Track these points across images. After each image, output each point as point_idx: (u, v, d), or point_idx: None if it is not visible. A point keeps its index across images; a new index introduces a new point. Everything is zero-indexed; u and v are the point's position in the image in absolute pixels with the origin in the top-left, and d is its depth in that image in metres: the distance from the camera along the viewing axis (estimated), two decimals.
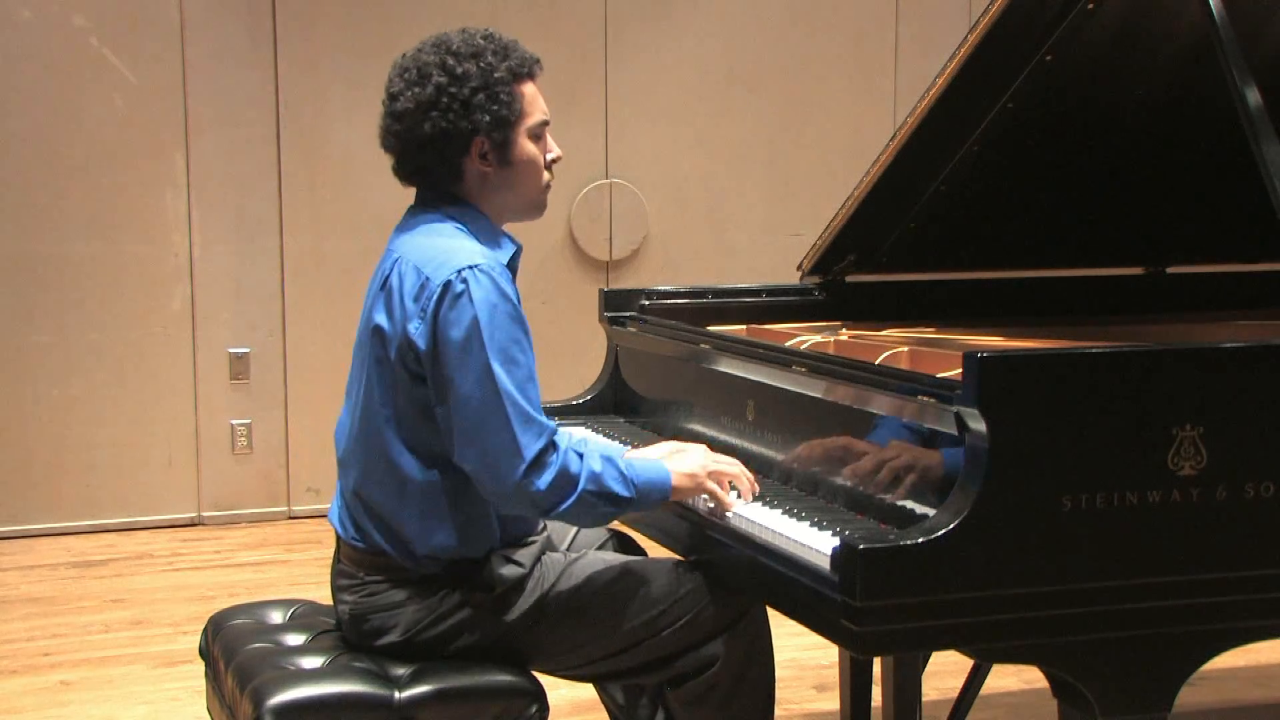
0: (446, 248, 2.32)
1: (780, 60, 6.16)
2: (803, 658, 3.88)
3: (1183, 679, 2.09)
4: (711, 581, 2.41)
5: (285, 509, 5.75)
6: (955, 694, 3.19)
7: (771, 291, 3.21)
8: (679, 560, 2.48)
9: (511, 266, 2.39)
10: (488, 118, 2.34)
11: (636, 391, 3.09)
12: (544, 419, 2.27)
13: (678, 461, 2.39)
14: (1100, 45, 2.75)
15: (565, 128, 5.89)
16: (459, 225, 2.38)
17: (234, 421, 5.68)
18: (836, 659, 3.41)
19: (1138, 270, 3.39)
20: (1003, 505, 1.95)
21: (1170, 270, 3.39)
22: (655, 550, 2.59)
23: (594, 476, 2.28)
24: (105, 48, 5.41)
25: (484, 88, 2.34)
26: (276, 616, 2.61)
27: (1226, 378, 2.08)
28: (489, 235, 2.39)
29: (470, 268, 2.26)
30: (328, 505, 2.50)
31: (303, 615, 2.60)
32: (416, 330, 2.27)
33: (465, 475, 2.32)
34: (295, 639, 2.48)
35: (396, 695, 2.24)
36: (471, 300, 2.24)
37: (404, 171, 2.43)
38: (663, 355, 2.96)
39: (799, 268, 3.21)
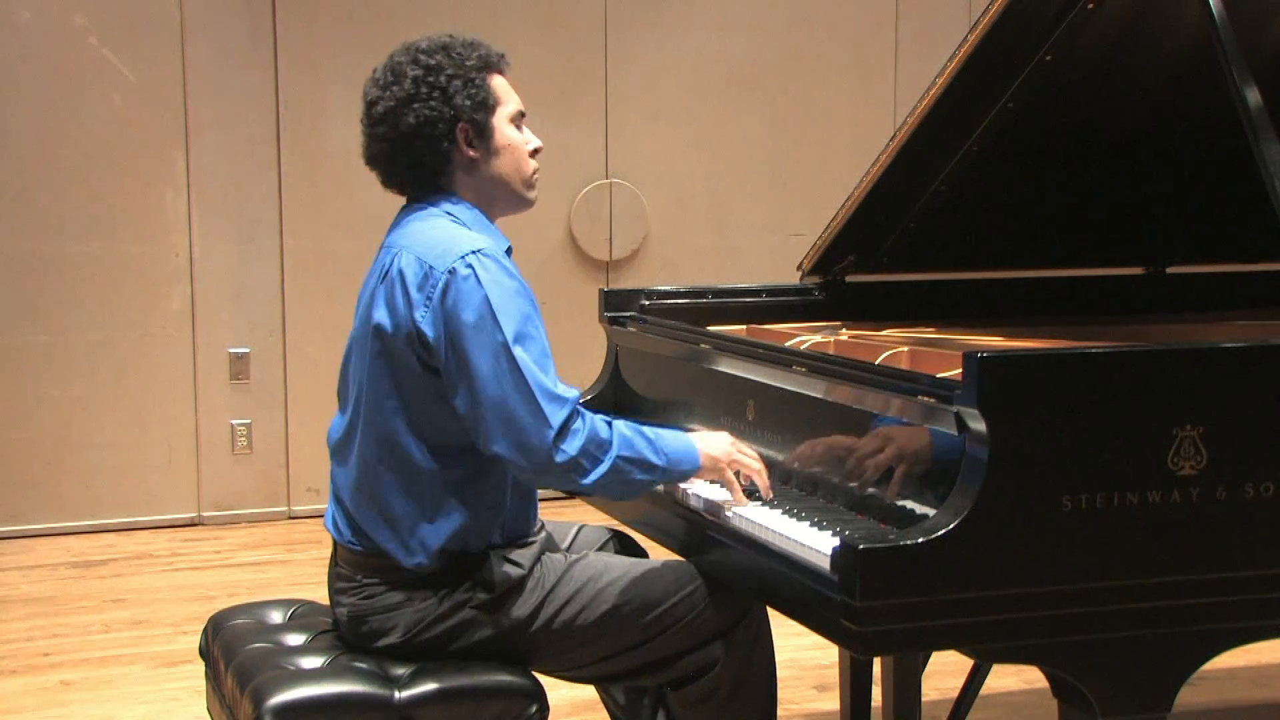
0: (446, 237, 2.33)
1: (780, 60, 6.16)
2: (803, 658, 3.88)
3: (1183, 679, 2.09)
4: (712, 582, 2.41)
5: (285, 509, 5.75)
6: (955, 694, 3.19)
7: (771, 291, 3.20)
8: (679, 561, 2.48)
9: None
10: (468, 102, 2.39)
11: (636, 391, 3.09)
12: (565, 390, 2.29)
13: (705, 442, 2.41)
14: (1100, 45, 2.75)
15: (565, 128, 5.92)
16: (454, 218, 2.39)
17: (234, 421, 5.68)
18: (836, 659, 3.41)
19: (1138, 270, 3.39)
20: (1003, 505, 1.95)
21: (1170, 270, 3.39)
22: (655, 550, 2.60)
23: (626, 442, 2.30)
24: (105, 48, 5.41)
25: (459, 75, 2.41)
26: (276, 616, 2.61)
27: (1226, 378, 2.08)
28: (483, 228, 2.41)
29: (474, 252, 2.29)
30: (327, 505, 2.49)
31: (303, 615, 2.60)
32: (424, 319, 2.27)
33: (473, 466, 2.32)
34: (295, 639, 2.48)
35: (396, 695, 2.24)
36: (480, 282, 2.26)
37: (394, 174, 2.44)
38: (663, 355, 2.96)
39: (799, 268, 3.21)
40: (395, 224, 2.45)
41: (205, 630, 2.60)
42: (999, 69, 2.74)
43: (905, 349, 2.67)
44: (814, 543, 2.10)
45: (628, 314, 3.10)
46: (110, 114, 5.44)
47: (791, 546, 2.15)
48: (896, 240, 3.12)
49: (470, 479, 2.34)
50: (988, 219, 3.14)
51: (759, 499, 2.40)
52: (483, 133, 2.42)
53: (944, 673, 3.67)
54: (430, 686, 2.26)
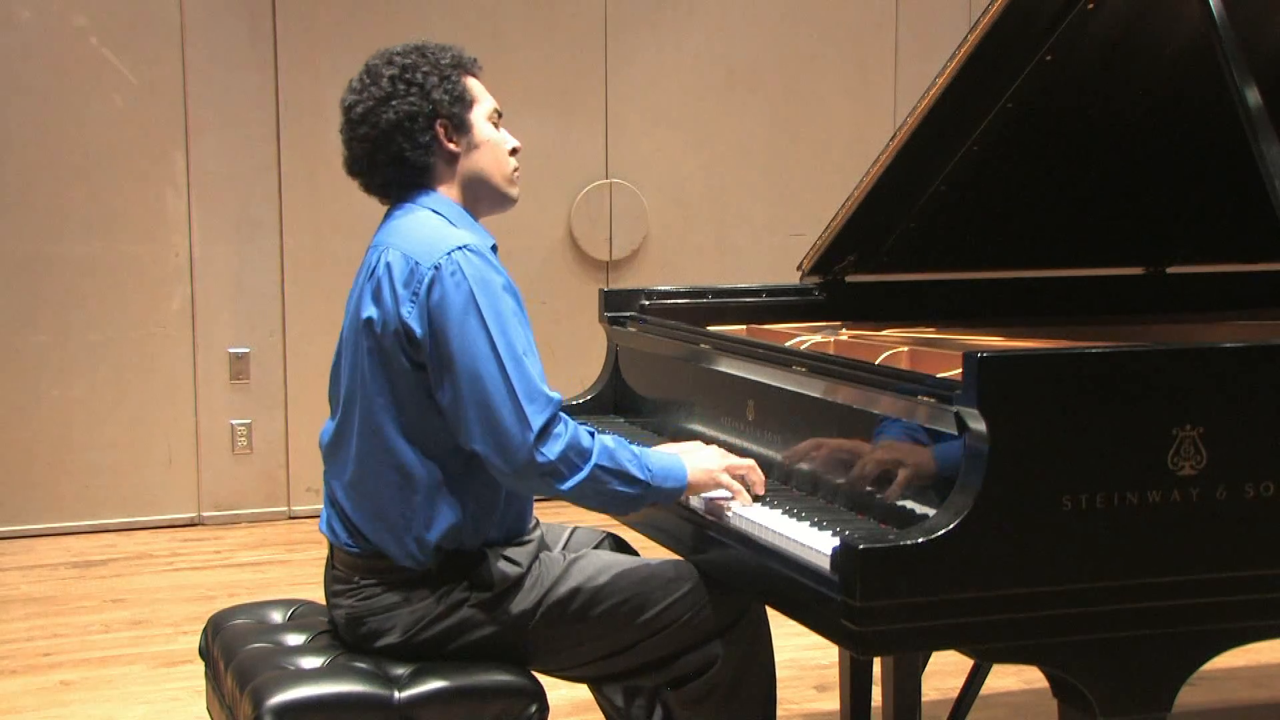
0: (432, 233, 2.34)
1: (780, 61, 6.17)
2: (803, 658, 3.88)
3: (1183, 679, 2.08)
4: (711, 581, 2.41)
5: (285, 509, 5.75)
6: (955, 694, 3.19)
7: (771, 291, 3.21)
8: (678, 560, 2.48)
9: None
10: (445, 97, 2.40)
11: (636, 391, 3.09)
12: (548, 390, 2.28)
13: (693, 457, 2.41)
14: (1100, 45, 2.75)
15: (565, 128, 5.92)
16: (439, 215, 2.40)
17: (234, 421, 5.68)
18: (836, 659, 3.41)
19: (1138, 270, 3.39)
20: (1003, 505, 1.95)
21: (1170, 270, 3.39)
22: (655, 550, 2.59)
23: (607, 452, 2.30)
24: (105, 48, 5.41)
25: (435, 71, 2.41)
26: (276, 616, 2.61)
27: (1226, 378, 2.08)
28: (468, 224, 2.42)
29: (460, 248, 2.29)
30: (322, 509, 2.49)
31: (303, 615, 2.60)
32: (410, 314, 2.28)
33: (467, 462, 2.32)
34: (295, 639, 2.47)
35: (396, 695, 2.24)
36: (466, 277, 2.26)
37: (375, 174, 2.44)
38: (663, 355, 2.96)
39: (799, 268, 3.21)
40: (381, 224, 2.45)
41: (205, 630, 2.60)
42: (999, 69, 2.74)
43: (905, 349, 2.67)
44: (814, 543, 2.10)
45: (628, 314, 3.10)
46: (110, 114, 5.44)
47: (791, 546, 2.15)
48: (896, 240, 3.12)
49: (464, 475, 2.34)
50: (988, 219, 3.14)
51: (764, 501, 2.39)
52: (461, 127, 2.43)
53: (944, 673, 3.67)
54: (430, 686, 2.26)
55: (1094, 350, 2.04)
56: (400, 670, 2.31)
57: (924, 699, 3.05)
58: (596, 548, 2.67)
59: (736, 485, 2.39)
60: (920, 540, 1.91)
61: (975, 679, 3.15)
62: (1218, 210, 3.20)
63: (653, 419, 3.00)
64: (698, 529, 2.43)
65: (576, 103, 5.93)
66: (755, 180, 6.19)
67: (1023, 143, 2.92)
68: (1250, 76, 2.44)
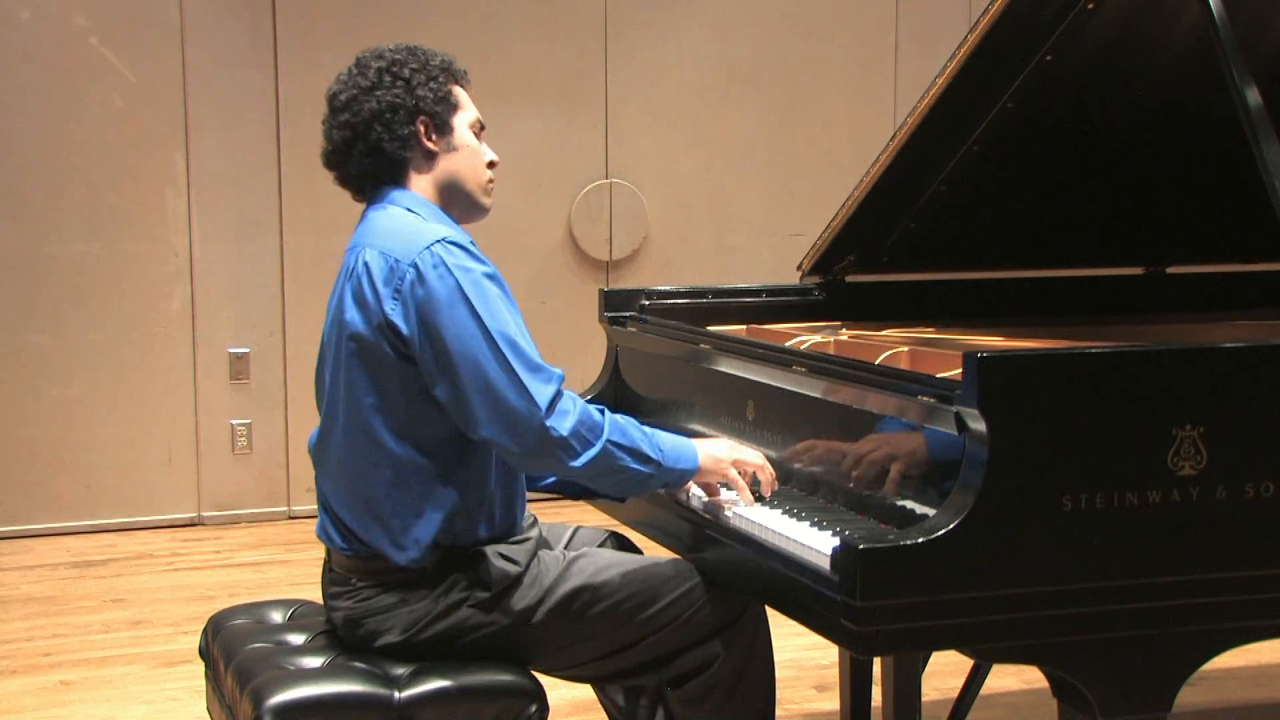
0: (408, 230, 2.34)
1: (780, 60, 6.17)
2: (803, 658, 3.88)
3: (1183, 679, 2.09)
4: (709, 580, 2.41)
5: (285, 509, 5.76)
6: (955, 694, 3.19)
7: (771, 291, 3.21)
8: (677, 559, 2.48)
9: None
10: (430, 95, 2.40)
11: (636, 391, 3.09)
12: (548, 365, 2.29)
13: (705, 445, 2.41)
14: (1100, 45, 2.75)
15: (565, 128, 5.92)
16: (414, 213, 2.39)
17: (234, 421, 5.68)
18: (836, 659, 3.41)
19: (1138, 270, 3.39)
20: (1003, 505, 1.95)
21: (1170, 270, 3.39)
22: (655, 550, 2.60)
23: (619, 428, 2.30)
24: (105, 48, 5.41)
25: (422, 70, 2.42)
26: (276, 616, 2.61)
27: (1226, 378, 2.08)
28: (444, 222, 2.41)
29: (438, 241, 2.29)
30: (317, 515, 2.48)
31: (303, 615, 2.60)
32: (395, 311, 2.27)
33: (457, 453, 2.32)
34: (295, 639, 2.48)
35: (396, 695, 2.24)
36: (449, 269, 2.26)
37: (350, 165, 2.43)
38: (663, 355, 2.96)
39: (799, 268, 3.21)
40: (358, 224, 2.46)
41: (205, 630, 2.60)
42: (999, 69, 2.74)
43: (905, 349, 2.67)
44: (814, 543, 2.10)
45: (628, 314, 3.10)
46: (110, 114, 5.44)
47: (791, 546, 2.15)
48: (896, 240, 3.12)
49: (453, 468, 2.33)
50: (988, 219, 3.14)
51: (764, 502, 2.39)
52: (443, 128, 2.43)
53: (944, 673, 3.67)
54: (430, 686, 2.26)
55: (1094, 350, 2.04)
56: (400, 670, 2.31)
57: (924, 699, 3.05)
58: (600, 545, 2.67)
59: (741, 482, 2.39)
60: (920, 540, 1.91)
61: (975, 679, 3.15)
62: (1218, 210, 3.20)
63: (653, 419, 3.00)
64: (698, 529, 2.43)
65: (576, 103, 5.93)
66: (755, 180, 6.19)
67: (1023, 143, 2.92)
68: (1250, 76, 2.44)
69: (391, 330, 2.28)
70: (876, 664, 3.13)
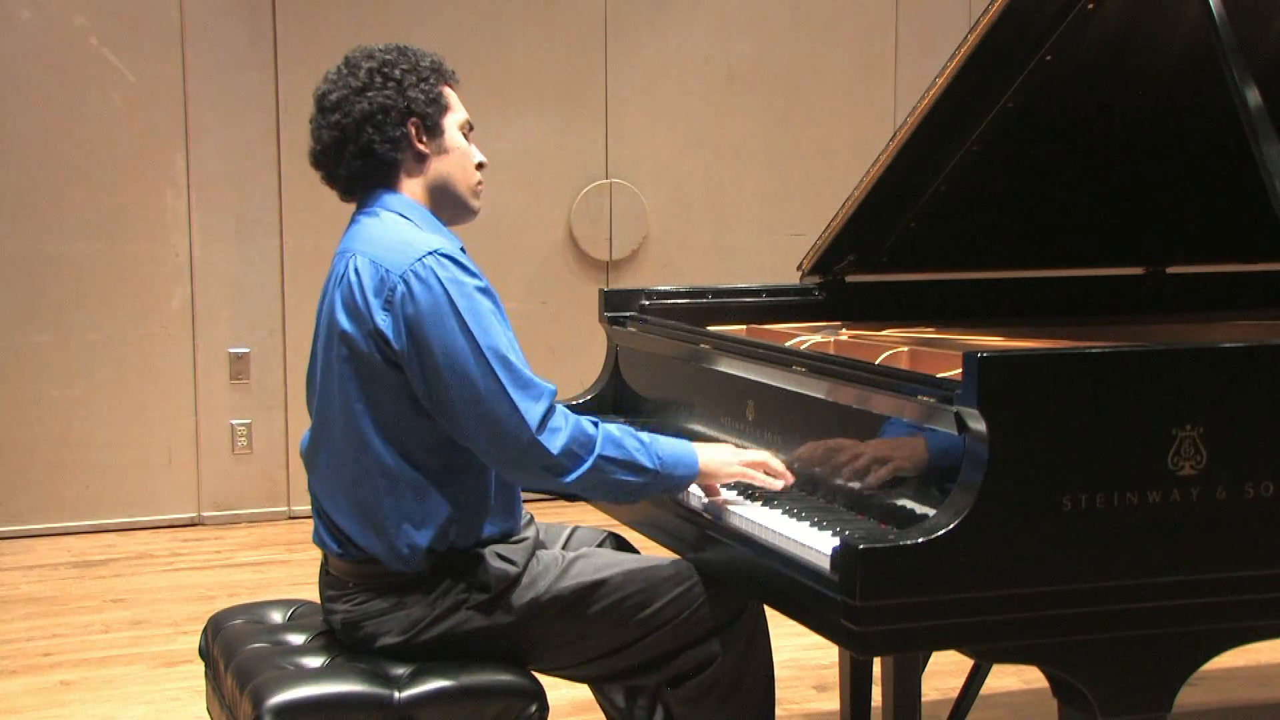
0: (399, 239, 2.32)
1: (780, 61, 6.17)
2: (803, 658, 3.89)
3: (1183, 679, 2.09)
4: (708, 579, 2.41)
5: (285, 509, 5.76)
6: (955, 694, 3.19)
7: (771, 291, 3.21)
8: (675, 558, 2.48)
9: None
10: (421, 96, 2.39)
11: (636, 391, 3.09)
12: (540, 380, 2.28)
13: (706, 449, 2.40)
14: (1100, 45, 2.75)
15: (565, 128, 5.92)
16: (405, 218, 2.38)
17: (234, 421, 5.68)
18: (836, 659, 3.41)
19: (1138, 270, 3.39)
20: (1003, 505, 1.95)
21: (1170, 270, 3.39)
22: (655, 550, 2.60)
23: (612, 441, 2.29)
24: (105, 48, 5.41)
25: (413, 71, 2.40)
26: (276, 617, 2.61)
27: (1226, 378, 2.08)
28: (434, 227, 2.40)
29: (430, 253, 2.27)
30: (312, 520, 2.47)
31: (302, 615, 2.60)
32: (385, 322, 2.26)
33: (454, 459, 2.32)
34: (295, 639, 2.47)
35: (396, 695, 2.24)
36: (440, 282, 2.25)
37: (339, 166, 2.41)
38: (663, 355, 2.96)
39: (799, 268, 3.21)
40: (346, 230, 2.43)
41: (205, 630, 2.60)
42: (999, 69, 2.74)
43: (905, 349, 2.67)
44: (814, 543, 2.10)
45: (628, 314, 3.10)
46: (110, 114, 5.44)
47: (791, 546, 2.15)
48: (896, 240, 3.12)
49: (450, 475, 2.33)
50: (988, 219, 3.14)
51: (764, 501, 2.39)
52: (433, 130, 2.41)
53: (944, 673, 3.67)
54: (430, 686, 2.26)
55: (1094, 350, 2.04)
56: (400, 670, 2.30)
57: (924, 699, 3.05)
58: (599, 545, 2.67)
59: (753, 474, 2.38)
60: (920, 540, 1.91)
61: (975, 679, 3.15)
62: (1218, 210, 3.20)
63: (653, 419, 3.00)
64: (698, 529, 2.43)
65: (576, 103, 5.93)
66: (755, 180, 6.19)
67: (1023, 143, 2.92)
68: (1250, 76, 2.45)
69: (382, 340, 2.27)
70: (876, 664, 3.13)
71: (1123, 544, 2.00)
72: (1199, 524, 2.03)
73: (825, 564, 2.01)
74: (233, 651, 2.43)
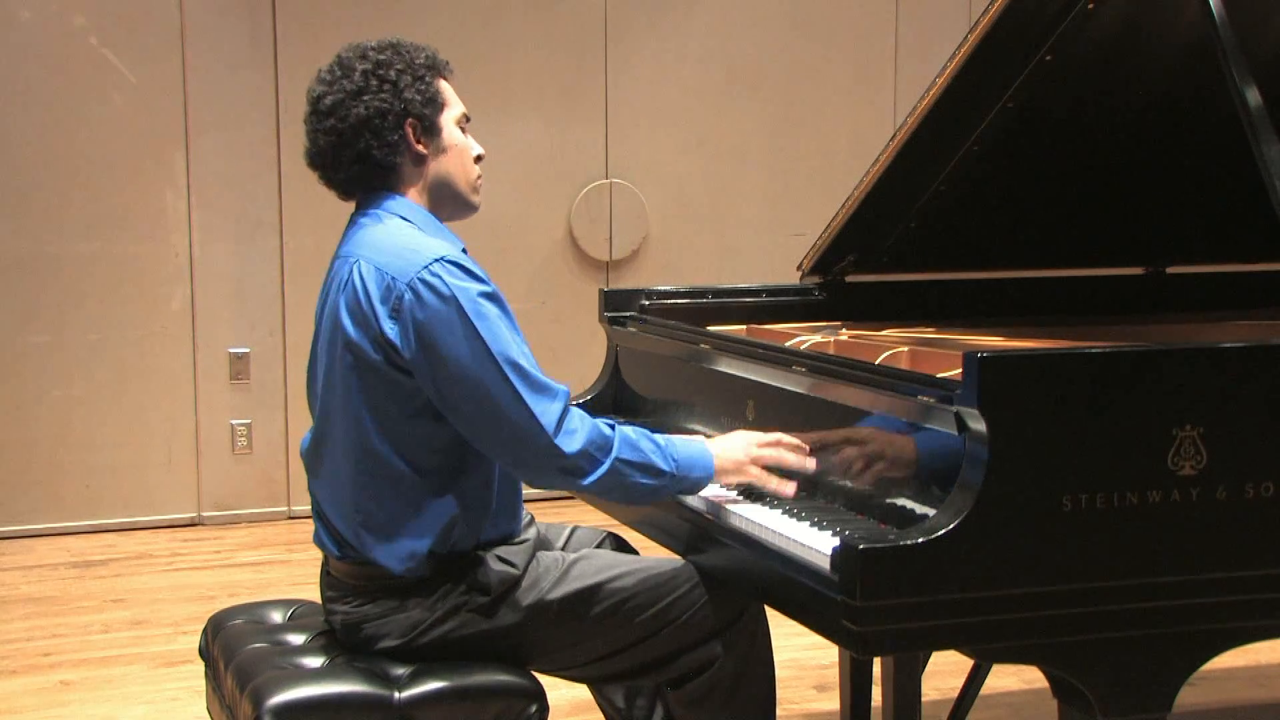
0: (403, 246, 2.30)
1: (780, 61, 6.17)
2: (803, 658, 3.88)
3: (1183, 679, 2.08)
4: (710, 580, 2.41)
5: (285, 509, 5.76)
6: (955, 694, 3.19)
7: (771, 291, 3.20)
8: (677, 560, 2.47)
9: None
10: (417, 97, 2.36)
11: (636, 391, 3.09)
12: (553, 382, 2.27)
13: (721, 445, 2.39)
14: (1100, 45, 2.75)
15: (565, 128, 5.92)
16: (406, 221, 2.37)
17: (234, 421, 5.68)
18: (836, 659, 3.41)
19: (1138, 270, 3.39)
20: (1003, 505, 1.95)
21: (1170, 270, 3.39)
22: (655, 550, 2.59)
23: (629, 444, 2.28)
24: (105, 48, 5.41)
25: (408, 70, 2.38)
26: (276, 617, 2.61)
27: (1226, 378, 2.08)
28: (436, 230, 2.39)
29: (436, 261, 2.26)
30: (313, 522, 2.47)
31: (302, 615, 2.60)
32: (392, 332, 2.24)
33: (457, 465, 2.31)
34: (295, 639, 2.47)
35: (396, 695, 2.24)
36: (449, 289, 2.23)
37: (338, 170, 2.39)
38: (663, 355, 2.96)
39: (799, 268, 3.21)
40: (346, 232, 2.42)
41: (205, 630, 2.60)
42: (999, 69, 2.74)
43: (905, 349, 2.67)
44: (814, 543, 2.10)
45: (628, 314, 3.10)
46: (110, 114, 5.44)
47: (791, 546, 2.14)
48: (896, 240, 3.12)
49: (453, 479, 2.32)
50: (988, 219, 3.14)
51: (764, 501, 2.39)
52: (430, 129, 2.39)
53: (944, 673, 3.67)
54: (430, 686, 2.26)
55: (1094, 350, 2.04)
56: (400, 670, 2.30)
57: (924, 699, 3.05)
58: (599, 546, 2.67)
59: (768, 477, 2.36)
60: (920, 540, 1.91)
61: (975, 679, 3.15)
62: (1218, 210, 3.20)
63: (653, 419, 3.00)
64: (698, 529, 2.43)
65: (576, 103, 5.93)
66: (755, 180, 6.19)
67: (1023, 142, 2.92)
68: (1250, 76, 2.44)
69: (390, 348, 2.25)
70: (876, 664, 3.13)
71: (1123, 544, 2.00)
72: (1199, 524, 2.03)
73: (825, 564, 2.01)
74: (233, 651, 2.43)
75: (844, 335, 2.96)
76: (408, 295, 2.24)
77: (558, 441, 2.23)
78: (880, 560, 1.90)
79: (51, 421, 5.48)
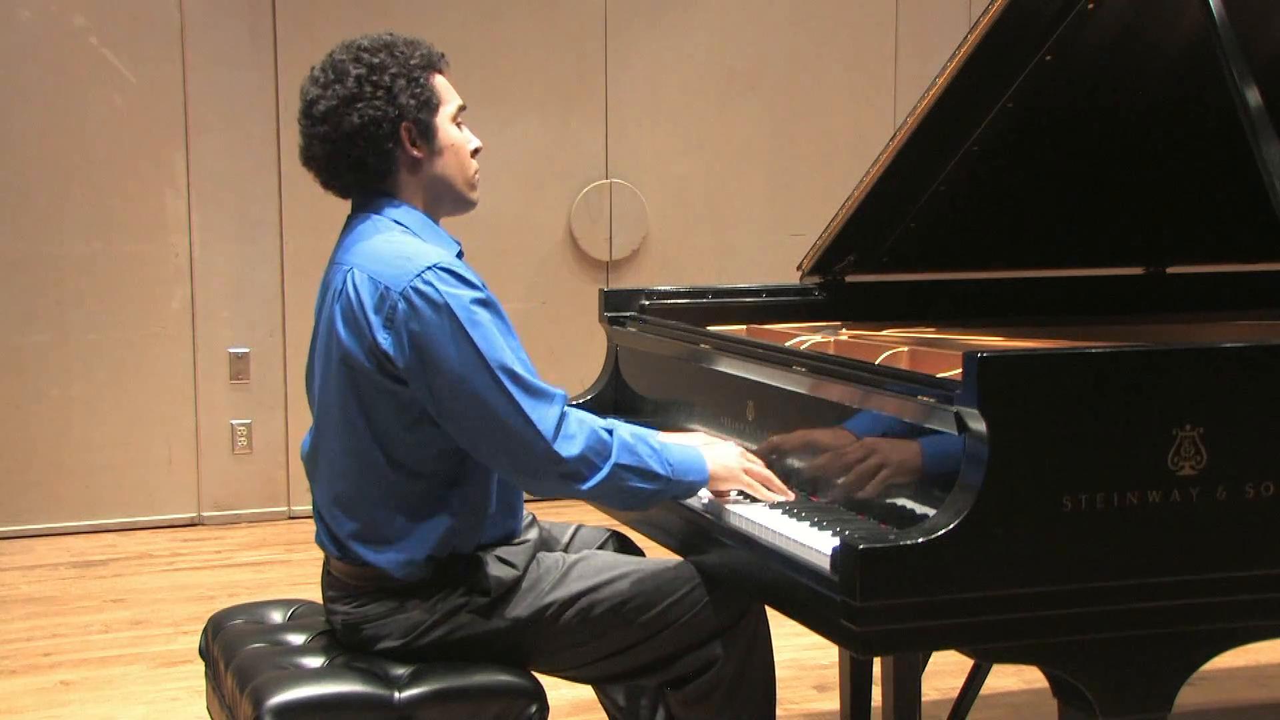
0: (397, 252, 2.29)
1: (780, 60, 6.17)
2: (803, 658, 3.89)
3: (1183, 679, 2.08)
4: (711, 581, 2.41)
5: (285, 509, 5.76)
6: (955, 694, 3.19)
7: (771, 291, 3.20)
8: (678, 560, 2.47)
9: None
10: (412, 101, 2.34)
11: (636, 391, 3.09)
12: (549, 387, 2.26)
13: (714, 452, 2.39)
14: (1100, 45, 2.75)
15: (565, 128, 5.93)
16: (402, 226, 2.36)
17: (234, 421, 5.68)
18: (836, 659, 3.41)
19: (1138, 270, 3.39)
20: (1003, 505, 1.95)
21: (1170, 270, 3.39)
22: (656, 550, 2.59)
23: (627, 448, 2.28)
24: (105, 48, 5.42)
25: (403, 73, 2.35)
26: (276, 617, 2.61)
27: (1226, 378, 2.08)
28: (432, 233, 2.38)
29: (430, 268, 2.24)
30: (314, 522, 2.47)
31: (303, 615, 2.60)
32: (387, 341, 2.24)
33: (454, 471, 2.31)
34: (295, 639, 2.47)
35: (396, 695, 2.24)
36: (441, 297, 2.22)
37: (334, 175, 2.39)
38: (663, 355, 2.96)
39: (799, 268, 3.21)
40: (341, 238, 2.41)
41: (205, 630, 2.60)
42: (999, 69, 2.74)
43: (905, 349, 2.67)
44: (814, 543, 2.10)
45: (628, 314, 3.10)
46: (110, 114, 5.44)
47: (791, 546, 2.14)
48: (896, 240, 3.12)
49: (451, 485, 2.32)
50: (988, 219, 3.14)
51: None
52: (426, 132, 2.37)
53: (944, 673, 3.67)
54: (430, 687, 2.26)
55: (1094, 350, 2.04)
56: (400, 670, 2.30)
57: (924, 699, 3.05)
58: (600, 547, 2.67)
59: (758, 485, 2.38)
60: (920, 540, 1.91)
61: (975, 679, 3.15)
62: (1218, 210, 3.20)
63: (653, 419, 3.00)
64: (698, 529, 2.43)
65: (576, 103, 5.93)
66: (755, 180, 6.19)
67: (1023, 143, 2.92)
68: (1250, 76, 2.44)
69: (384, 357, 2.24)
70: (876, 664, 3.13)
71: (1123, 544, 2.00)
72: (1199, 524, 2.03)
73: (825, 564, 2.01)
74: (233, 651, 2.43)
75: (844, 335, 2.96)
76: (401, 305, 2.23)
77: (556, 447, 2.23)
78: (880, 560, 1.90)
79: (51, 421, 5.48)
